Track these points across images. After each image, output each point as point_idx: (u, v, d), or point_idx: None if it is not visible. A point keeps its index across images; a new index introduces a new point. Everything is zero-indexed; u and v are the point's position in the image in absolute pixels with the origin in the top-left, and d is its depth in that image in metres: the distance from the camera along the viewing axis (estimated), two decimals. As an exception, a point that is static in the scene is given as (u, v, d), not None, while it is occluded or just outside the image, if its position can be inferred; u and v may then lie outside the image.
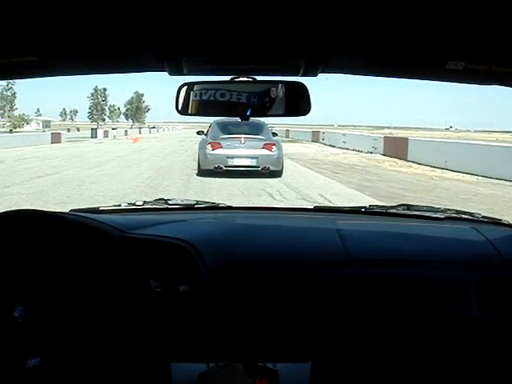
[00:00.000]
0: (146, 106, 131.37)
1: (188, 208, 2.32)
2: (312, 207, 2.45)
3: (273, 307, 1.69)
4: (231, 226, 2.04)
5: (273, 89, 1.56)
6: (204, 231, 1.89)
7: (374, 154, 25.49)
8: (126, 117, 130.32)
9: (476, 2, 1.11)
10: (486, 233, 1.97)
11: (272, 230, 2.03)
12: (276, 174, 14.54)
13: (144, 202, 2.32)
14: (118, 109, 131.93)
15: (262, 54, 1.46)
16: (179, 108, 1.58)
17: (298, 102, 1.57)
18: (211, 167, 14.44)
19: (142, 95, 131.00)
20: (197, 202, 2.37)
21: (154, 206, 2.30)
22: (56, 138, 35.98)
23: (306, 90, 1.54)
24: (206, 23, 1.23)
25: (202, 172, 14.66)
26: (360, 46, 1.38)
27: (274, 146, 14.64)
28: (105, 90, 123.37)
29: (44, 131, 53.01)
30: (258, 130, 14.92)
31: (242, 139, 14.56)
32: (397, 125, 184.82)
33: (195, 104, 1.57)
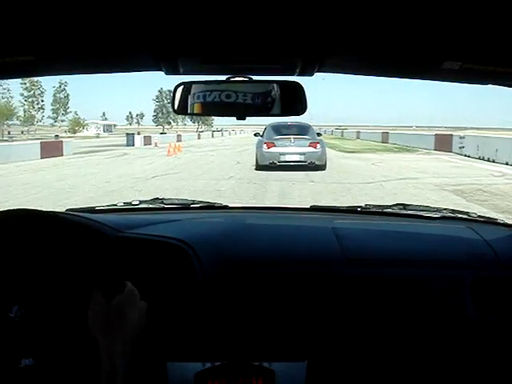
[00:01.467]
0: None
1: (184, 208, 2.33)
2: (308, 206, 2.45)
3: (268, 307, 1.69)
4: (227, 225, 2.04)
5: (269, 88, 1.56)
6: (200, 231, 1.90)
7: None
8: (192, 119, 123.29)
9: (472, 1, 1.10)
10: (482, 232, 1.98)
11: (268, 229, 2.04)
12: (320, 167, 17.48)
13: (140, 201, 2.33)
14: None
15: (259, 54, 1.47)
16: (176, 108, 1.59)
17: (294, 102, 1.57)
18: (267, 163, 17.47)
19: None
20: (193, 201, 2.38)
21: (150, 206, 2.31)
22: (51, 151, 26.20)
23: (302, 90, 1.55)
24: (203, 23, 1.23)
25: (259, 167, 17.64)
26: (356, 46, 1.38)
27: (318, 144, 17.79)
28: (170, 91, 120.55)
29: (98, 136, 51.08)
30: (304, 130, 18.31)
31: (292, 139, 17.74)
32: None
33: (191, 104, 1.58)
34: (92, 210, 2.17)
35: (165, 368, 1.64)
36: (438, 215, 2.21)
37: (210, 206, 2.39)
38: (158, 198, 2.40)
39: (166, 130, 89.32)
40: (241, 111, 1.57)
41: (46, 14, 1.16)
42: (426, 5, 1.11)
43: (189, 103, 1.58)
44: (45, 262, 1.53)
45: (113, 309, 1.35)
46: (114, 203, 2.33)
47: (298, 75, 1.57)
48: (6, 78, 1.65)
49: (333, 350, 1.70)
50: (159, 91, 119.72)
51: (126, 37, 1.33)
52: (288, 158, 17.52)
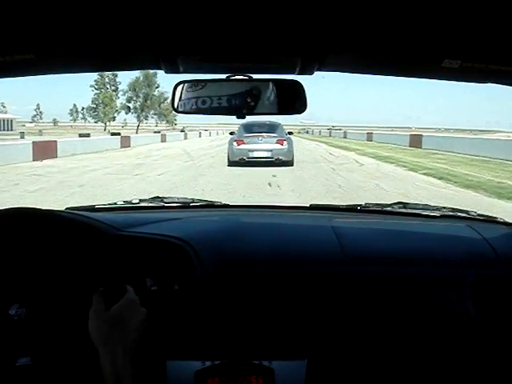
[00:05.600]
0: (162, 95, 75.54)
1: (184, 206, 2.32)
2: (308, 205, 2.45)
3: (268, 305, 1.69)
4: (227, 224, 2.04)
5: (269, 87, 1.56)
6: (200, 229, 1.89)
7: None
8: (128, 110, 76.55)
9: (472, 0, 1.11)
10: (482, 231, 1.98)
11: (268, 228, 2.04)
12: (287, 163, 18.72)
13: (140, 200, 2.33)
14: (110, 96, 77.61)
15: (258, 52, 1.46)
16: (175, 106, 1.59)
17: (294, 100, 1.57)
18: (237, 159, 18.91)
19: (155, 75, 74.87)
20: (193, 200, 2.38)
21: (150, 205, 2.31)
22: None
23: (302, 88, 1.54)
24: (202, 21, 1.23)
25: (230, 163, 19.08)
26: (356, 44, 1.38)
27: (284, 142, 19.26)
28: (115, 76, 78.96)
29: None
30: (273, 129, 19.77)
31: (260, 137, 19.31)
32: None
33: (191, 102, 1.58)
34: (92, 209, 2.17)
35: (165, 366, 1.64)
36: (437, 214, 2.22)
37: (210, 205, 2.39)
38: (158, 197, 2.39)
39: (106, 128, 64.50)
40: (241, 110, 1.57)
41: (46, 12, 1.16)
42: (425, 3, 1.11)
43: (188, 102, 1.58)
44: (44, 260, 1.54)
45: (113, 317, 1.34)
46: (114, 202, 2.31)
47: (297, 74, 1.56)
48: (6, 77, 1.61)
49: (333, 349, 1.71)
50: (99, 75, 78.89)
51: (125, 36, 1.32)
52: (256, 154, 19.01)
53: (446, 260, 1.82)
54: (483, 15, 1.16)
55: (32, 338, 1.45)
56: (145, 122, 79.62)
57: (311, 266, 1.77)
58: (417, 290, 1.74)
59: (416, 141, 32.22)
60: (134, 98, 75.91)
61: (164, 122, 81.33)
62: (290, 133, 21.78)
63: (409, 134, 37.29)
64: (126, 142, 31.53)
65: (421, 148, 30.09)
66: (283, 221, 2.16)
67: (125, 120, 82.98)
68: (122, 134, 37.35)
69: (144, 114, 76.27)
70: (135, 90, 76.14)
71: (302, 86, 1.54)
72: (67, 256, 1.55)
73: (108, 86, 77.92)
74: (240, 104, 1.55)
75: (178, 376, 1.65)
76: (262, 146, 19.22)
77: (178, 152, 25.87)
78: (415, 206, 2.35)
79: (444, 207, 2.36)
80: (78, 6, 1.12)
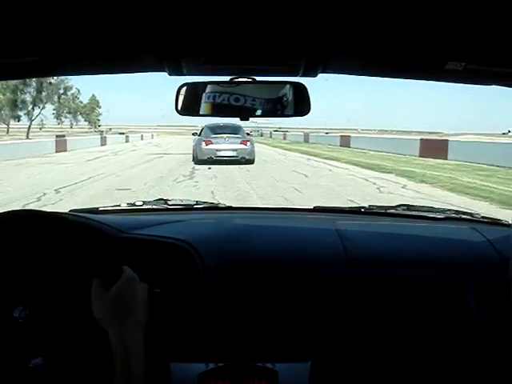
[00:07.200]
0: (61, 82, 55.36)
1: (187, 208, 2.33)
2: (312, 207, 2.45)
3: (272, 307, 1.69)
4: (231, 226, 2.05)
5: (273, 89, 1.57)
6: (203, 231, 1.90)
7: None
8: (14, 106, 53.11)
9: (476, 1, 1.10)
10: (486, 233, 1.97)
11: (271, 230, 2.04)
12: (250, 161, 20.97)
13: (143, 202, 2.33)
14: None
15: (262, 55, 1.47)
16: (179, 109, 1.59)
17: (298, 103, 1.57)
18: (205, 158, 20.74)
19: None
20: (196, 202, 2.38)
21: (154, 207, 2.31)
22: None
23: (306, 91, 1.55)
24: (206, 24, 1.23)
25: (198, 161, 20.73)
26: (360, 47, 1.38)
27: (248, 142, 21.53)
28: None
29: None
30: (236, 131, 21.81)
31: (226, 138, 21.29)
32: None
33: (194, 105, 1.58)
34: (95, 211, 2.17)
35: (168, 368, 1.64)
36: (441, 216, 2.21)
37: (214, 207, 2.39)
38: (161, 199, 2.40)
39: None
40: (245, 112, 1.57)
41: (51, 15, 1.16)
42: (429, 5, 1.11)
43: (191, 104, 1.59)
44: (48, 262, 1.53)
45: (115, 296, 1.34)
46: (118, 204, 2.31)
47: (301, 76, 1.57)
48: (11, 79, 1.61)
49: (336, 351, 1.71)
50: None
51: (130, 38, 1.33)
52: (223, 153, 20.93)
53: (449, 262, 1.81)
54: (487, 17, 1.16)
55: (39, 338, 1.44)
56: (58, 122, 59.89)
57: (315, 269, 1.77)
58: (421, 293, 1.74)
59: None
60: (21, 88, 52.56)
61: (87, 124, 67.90)
62: (249, 134, 24.23)
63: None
64: None
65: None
66: (287, 223, 2.16)
67: (41, 121, 58.79)
68: None
69: (56, 112, 57.51)
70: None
71: (305, 88, 1.55)
72: (71, 258, 1.55)
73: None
74: (243, 106, 1.56)
75: (181, 378, 1.64)
76: (229, 146, 21.08)
77: None
78: (419, 208, 2.35)
79: (448, 209, 2.36)
80: (83, 9, 1.13)
